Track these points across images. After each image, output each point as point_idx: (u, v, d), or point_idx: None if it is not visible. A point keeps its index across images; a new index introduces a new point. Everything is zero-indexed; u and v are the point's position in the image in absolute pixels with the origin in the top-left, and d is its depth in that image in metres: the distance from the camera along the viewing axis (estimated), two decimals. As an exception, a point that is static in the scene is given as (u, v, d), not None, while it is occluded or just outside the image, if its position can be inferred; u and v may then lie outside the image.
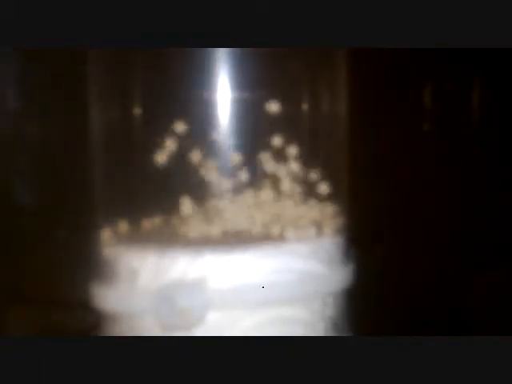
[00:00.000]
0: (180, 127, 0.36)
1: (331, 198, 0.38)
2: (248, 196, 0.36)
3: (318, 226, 0.37)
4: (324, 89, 0.40)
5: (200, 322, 0.33)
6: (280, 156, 0.36)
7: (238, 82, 0.36)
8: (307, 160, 0.37)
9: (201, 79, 0.36)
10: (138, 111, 0.38)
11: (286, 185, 0.37)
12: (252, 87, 0.37)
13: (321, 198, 0.38)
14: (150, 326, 0.34)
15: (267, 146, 0.36)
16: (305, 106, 0.39)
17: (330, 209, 0.38)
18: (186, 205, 0.36)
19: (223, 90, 0.36)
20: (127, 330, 0.35)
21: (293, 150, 0.37)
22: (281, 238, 0.35)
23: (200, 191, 0.36)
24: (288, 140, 0.37)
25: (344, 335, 0.38)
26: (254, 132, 0.37)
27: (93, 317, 0.36)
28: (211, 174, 0.36)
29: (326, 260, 0.36)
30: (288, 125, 0.37)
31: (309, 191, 0.37)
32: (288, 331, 0.35)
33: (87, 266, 0.37)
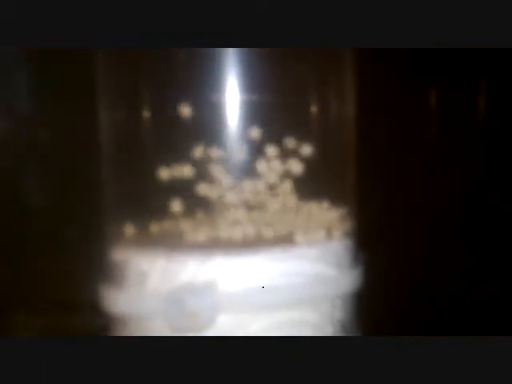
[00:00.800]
0: (189, 129, 0.36)
1: (340, 201, 0.38)
2: (257, 200, 0.36)
3: (327, 230, 0.37)
4: (330, 90, 0.40)
5: (209, 324, 0.33)
6: (288, 159, 0.36)
7: (245, 83, 0.36)
8: (315, 164, 0.37)
9: (208, 79, 0.36)
10: (146, 113, 0.38)
11: (295, 189, 0.36)
12: (259, 88, 0.36)
13: (329, 202, 0.38)
14: (159, 329, 0.34)
15: (276, 149, 0.36)
16: (312, 109, 0.39)
17: (338, 212, 0.38)
18: (196, 208, 0.36)
19: (231, 91, 0.36)
20: (136, 333, 0.35)
21: (301, 154, 0.36)
22: (290, 242, 0.35)
23: (210, 195, 0.36)
24: (296, 143, 0.36)
25: (349, 335, 0.38)
26: (263, 134, 0.36)
27: (102, 319, 0.36)
28: (221, 177, 0.36)
29: (334, 263, 0.36)
30: (296, 128, 0.37)
31: (317, 195, 0.37)
32: (297, 334, 0.35)
33: (97, 268, 0.37)
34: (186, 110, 0.36)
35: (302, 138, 0.37)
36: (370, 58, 0.46)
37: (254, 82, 0.36)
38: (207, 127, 0.36)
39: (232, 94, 0.36)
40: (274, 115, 0.36)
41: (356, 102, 0.40)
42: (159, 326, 0.34)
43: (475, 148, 0.61)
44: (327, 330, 0.36)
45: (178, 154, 0.36)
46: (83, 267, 0.39)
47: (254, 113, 0.36)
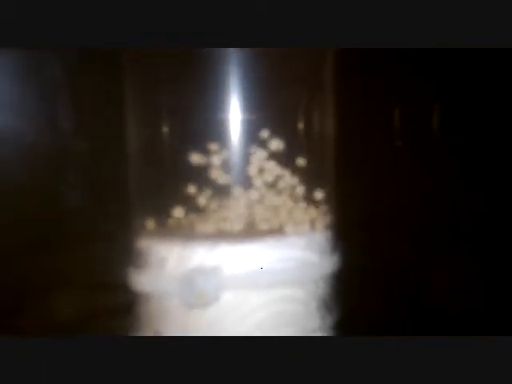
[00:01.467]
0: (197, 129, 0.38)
1: (322, 199, 0.40)
2: (256, 198, 0.38)
3: (312, 223, 0.39)
4: (316, 93, 0.40)
5: (215, 301, 0.35)
6: (281, 163, 0.38)
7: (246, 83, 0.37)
8: (303, 167, 0.39)
9: (210, 79, 0.37)
10: (166, 117, 0.39)
11: (286, 189, 0.39)
12: (258, 102, 0.37)
13: (314, 200, 0.39)
14: (174, 305, 0.36)
15: (271, 153, 0.38)
16: (301, 113, 0.40)
17: (321, 208, 0.40)
18: (205, 205, 0.38)
19: (232, 92, 0.37)
20: (156, 308, 0.37)
21: (292, 158, 0.39)
22: (282, 233, 0.38)
23: (217, 193, 0.38)
24: (288, 149, 0.38)
25: (335, 331, 0.39)
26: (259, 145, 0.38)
27: (129, 296, 0.38)
28: (227, 179, 0.38)
29: (318, 250, 0.38)
30: (287, 138, 0.38)
31: (304, 194, 0.39)
32: (288, 308, 0.37)
33: (125, 255, 0.39)
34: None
35: (293, 146, 0.39)
36: (358, 59, 0.46)
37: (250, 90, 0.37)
38: (215, 128, 0.37)
39: (232, 95, 0.37)
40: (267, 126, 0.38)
41: (339, 111, 0.41)
42: (175, 303, 0.36)
43: (451, 150, 0.61)
44: (312, 305, 0.38)
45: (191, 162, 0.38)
46: (114, 254, 0.41)
47: (252, 128, 0.37)
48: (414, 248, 0.55)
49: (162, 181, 0.39)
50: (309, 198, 0.39)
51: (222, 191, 0.38)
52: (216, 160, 0.37)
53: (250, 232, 0.37)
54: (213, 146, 0.37)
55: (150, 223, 0.40)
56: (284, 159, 0.38)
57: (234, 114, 0.37)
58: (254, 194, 0.38)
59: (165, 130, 0.39)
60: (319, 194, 0.40)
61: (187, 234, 0.38)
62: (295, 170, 0.39)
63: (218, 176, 0.38)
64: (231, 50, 0.36)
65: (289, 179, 0.39)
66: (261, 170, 0.38)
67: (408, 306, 0.54)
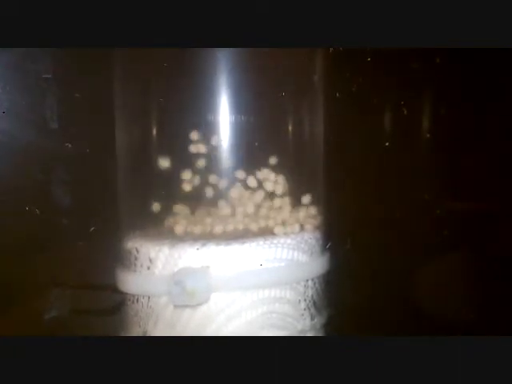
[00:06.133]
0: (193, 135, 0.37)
1: (311, 202, 0.40)
2: (247, 200, 0.38)
3: (301, 224, 0.39)
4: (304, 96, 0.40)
5: (204, 301, 0.35)
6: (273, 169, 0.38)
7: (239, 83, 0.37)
8: (293, 172, 0.39)
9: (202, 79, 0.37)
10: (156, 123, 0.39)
11: (276, 192, 0.39)
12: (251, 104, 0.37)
13: (303, 202, 0.40)
14: (164, 305, 0.36)
15: (262, 161, 0.38)
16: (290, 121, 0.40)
17: (310, 211, 0.40)
18: (196, 206, 0.38)
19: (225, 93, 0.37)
20: (146, 309, 0.37)
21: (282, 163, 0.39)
22: (272, 234, 0.37)
23: (208, 196, 0.38)
24: (278, 152, 0.39)
25: (325, 332, 0.39)
26: (251, 145, 0.38)
27: (119, 297, 0.38)
28: (218, 183, 0.38)
29: (307, 251, 0.38)
30: (278, 146, 0.39)
31: (293, 197, 0.40)
32: (276, 308, 0.37)
33: (115, 256, 0.39)
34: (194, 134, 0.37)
35: (284, 155, 0.39)
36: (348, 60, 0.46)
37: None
38: (205, 132, 0.37)
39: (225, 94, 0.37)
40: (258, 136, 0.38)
41: (328, 112, 0.41)
42: (164, 302, 0.36)
43: (442, 150, 0.61)
44: (301, 305, 0.38)
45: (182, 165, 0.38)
46: (104, 255, 0.41)
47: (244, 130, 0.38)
48: (404, 249, 0.55)
49: (151, 181, 0.39)
50: (298, 201, 0.40)
51: (211, 193, 0.38)
52: (206, 161, 0.37)
53: (241, 233, 0.37)
54: (203, 148, 0.37)
55: (140, 225, 0.39)
56: (274, 161, 0.39)
57: (224, 115, 0.37)
58: (245, 196, 0.38)
59: (154, 131, 0.39)
60: (308, 198, 0.40)
61: (176, 235, 0.37)
62: (285, 173, 0.39)
63: (208, 177, 0.38)
64: (221, 50, 0.36)
65: (278, 182, 0.39)
66: (251, 173, 0.38)
67: (398, 307, 0.54)
